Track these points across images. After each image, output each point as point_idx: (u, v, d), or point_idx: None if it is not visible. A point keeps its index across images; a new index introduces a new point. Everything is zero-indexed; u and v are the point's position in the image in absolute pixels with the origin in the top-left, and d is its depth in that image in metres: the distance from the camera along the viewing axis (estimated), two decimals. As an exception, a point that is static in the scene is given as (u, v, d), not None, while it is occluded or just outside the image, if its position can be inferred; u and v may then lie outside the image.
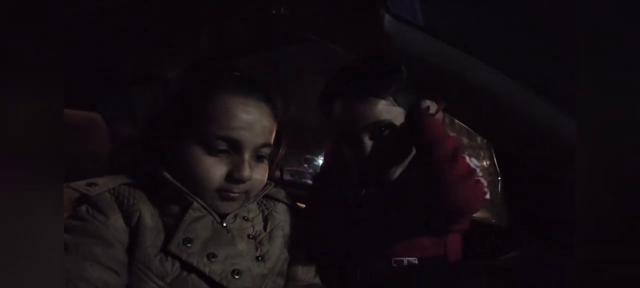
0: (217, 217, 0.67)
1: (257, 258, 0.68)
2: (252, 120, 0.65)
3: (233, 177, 0.65)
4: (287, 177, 0.90)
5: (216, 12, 1.18)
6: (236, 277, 0.62)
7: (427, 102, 0.78)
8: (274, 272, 0.70)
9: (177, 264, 0.61)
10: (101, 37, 1.33)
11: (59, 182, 0.44)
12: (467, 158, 0.73)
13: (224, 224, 0.68)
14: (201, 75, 0.69)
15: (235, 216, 0.70)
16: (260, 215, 0.76)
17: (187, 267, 0.61)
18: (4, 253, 0.38)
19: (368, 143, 0.77)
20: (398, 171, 0.81)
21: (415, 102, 0.78)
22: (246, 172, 0.65)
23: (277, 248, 0.73)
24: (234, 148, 0.65)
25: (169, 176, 0.64)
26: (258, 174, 0.69)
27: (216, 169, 0.64)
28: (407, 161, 0.82)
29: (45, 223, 0.41)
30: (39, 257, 0.40)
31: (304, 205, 0.89)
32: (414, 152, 0.81)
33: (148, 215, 0.63)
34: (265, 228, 0.74)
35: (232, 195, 0.66)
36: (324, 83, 0.84)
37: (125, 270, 0.59)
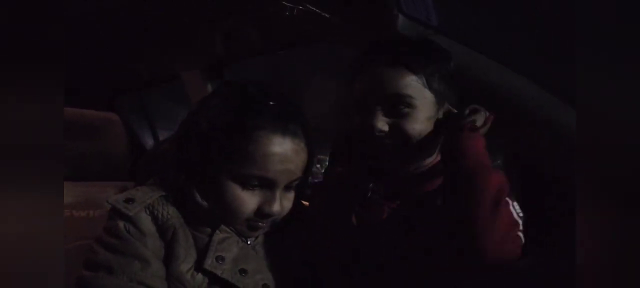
0: (242, 238, 0.69)
1: (281, 271, 0.70)
2: (288, 159, 0.65)
3: (263, 212, 0.65)
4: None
5: (230, 14, 1.19)
6: None
7: (476, 109, 0.68)
8: (295, 284, 0.71)
9: (209, 278, 0.64)
10: (118, 38, 1.35)
11: (59, 181, 0.44)
12: (511, 205, 0.60)
13: (249, 242, 0.70)
14: (242, 110, 0.65)
15: (260, 234, 0.72)
16: (284, 229, 0.74)
17: (220, 281, 0.63)
18: (4, 253, 0.39)
19: (380, 117, 0.67)
20: (410, 167, 0.72)
21: (459, 105, 0.68)
22: (276, 207, 0.65)
23: (297, 261, 0.73)
24: (268, 185, 0.65)
25: (200, 199, 0.65)
26: (286, 203, 0.68)
27: (248, 203, 0.65)
28: (424, 163, 0.72)
29: (45, 223, 0.41)
30: (39, 257, 0.40)
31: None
32: (436, 157, 0.72)
33: (181, 231, 0.65)
34: (287, 240, 0.74)
35: (260, 224, 0.67)
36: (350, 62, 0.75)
37: (165, 285, 0.61)
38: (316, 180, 0.92)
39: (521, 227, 0.60)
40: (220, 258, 0.64)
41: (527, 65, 0.86)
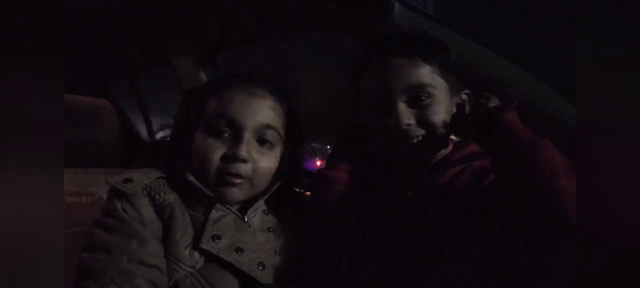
0: (239, 214, 0.70)
1: (275, 251, 0.71)
2: (252, 103, 0.69)
3: (228, 155, 0.67)
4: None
5: (225, 1, 1.17)
6: (260, 268, 0.66)
7: (506, 96, 0.65)
8: (288, 265, 0.71)
9: (206, 256, 0.64)
10: (110, 25, 1.33)
11: (59, 179, 0.44)
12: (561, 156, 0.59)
13: (246, 219, 0.70)
14: (216, 80, 0.73)
15: (256, 211, 0.72)
16: (280, 210, 0.77)
17: (216, 258, 0.64)
18: (4, 251, 0.38)
19: (404, 110, 0.65)
20: (434, 158, 0.70)
21: (485, 95, 0.65)
22: (242, 151, 0.66)
23: (291, 244, 0.74)
24: (233, 129, 0.68)
25: (192, 178, 0.67)
26: (262, 160, 0.69)
27: (216, 149, 0.67)
28: (443, 152, 0.71)
29: (45, 220, 0.41)
30: (39, 256, 0.40)
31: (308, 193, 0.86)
32: (448, 149, 0.71)
33: (178, 209, 0.66)
34: (283, 222, 0.76)
35: (232, 179, 0.67)
36: (356, 52, 0.73)
37: (164, 263, 0.62)
38: (312, 166, 0.91)
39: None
40: (216, 237, 0.65)
41: (523, 55, 0.86)
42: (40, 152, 0.41)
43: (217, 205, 0.67)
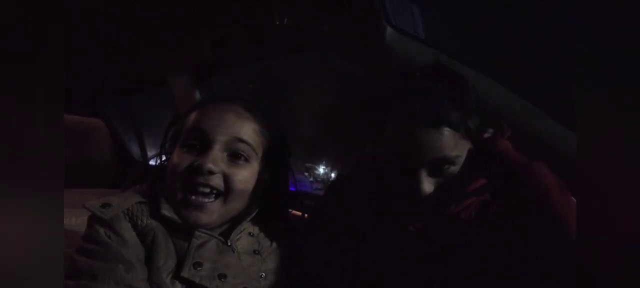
0: (222, 238, 0.68)
1: (260, 275, 0.68)
2: (224, 117, 0.68)
3: (194, 164, 0.65)
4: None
5: (219, 20, 1.19)
6: None
7: (499, 127, 0.65)
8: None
9: (187, 284, 0.62)
10: (105, 43, 1.34)
11: (59, 182, 0.43)
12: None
13: (229, 243, 0.68)
14: (199, 101, 0.75)
15: (240, 233, 0.70)
16: (267, 231, 0.75)
17: (199, 286, 0.62)
18: (4, 253, 0.38)
19: (426, 179, 0.63)
20: (452, 207, 0.68)
21: (482, 128, 0.65)
22: (208, 162, 0.64)
23: (279, 267, 0.72)
24: (203, 141, 0.67)
25: (166, 212, 0.65)
26: (235, 174, 0.66)
27: (185, 159, 0.66)
28: (464, 199, 0.69)
29: (45, 224, 0.41)
30: (39, 258, 0.40)
31: (300, 214, 0.86)
32: (471, 185, 0.69)
33: (160, 234, 0.64)
34: (269, 244, 0.74)
35: (200, 197, 0.65)
36: (372, 100, 0.70)
37: (148, 286, 0.61)
38: (304, 190, 0.90)
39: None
40: (198, 265, 0.63)
41: (514, 77, 0.88)
42: (41, 170, 0.41)
43: (197, 232, 0.65)
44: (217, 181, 0.65)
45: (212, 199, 0.66)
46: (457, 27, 0.97)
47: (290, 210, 0.83)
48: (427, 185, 0.63)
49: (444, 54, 0.83)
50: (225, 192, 0.66)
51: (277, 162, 0.74)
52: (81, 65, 1.53)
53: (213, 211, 0.66)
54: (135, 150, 1.97)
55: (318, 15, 0.99)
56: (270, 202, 0.74)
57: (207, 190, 0.65)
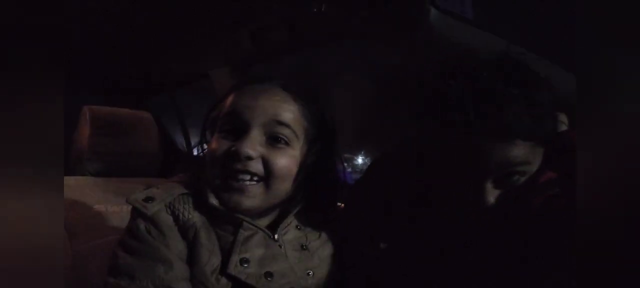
0: (269, 232, 0.65)
1: (307, 273, 0.65)
2: (261, 98, 0.65)
3: (232, 150, 0.62)
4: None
5: (257, 13, 1.19)
6: None
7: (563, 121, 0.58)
8: (323, 286, 0.66)
9: (234, 282, 0.60)
10: (148, 40, 1.39)
11: (59, 182, 0.44)
12: None
13: (276, 238, 0.66)
14: (234, 84, 0.71)
15: (287, 227, 0.68)
16: (314, 224, 0.71)
17: (245, 285, 0.60)
18: (4, 253, 0.38)
19: (490, 191, 0.56)
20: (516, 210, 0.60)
21: (555, 127, 0.57)
22: (246, 146, 0.61)
23: (327, 264, 0.68)
24: (241, 125, 0.64)
25: (213, 201, 0.63)
26: (276, 158, 0.63)
27: (222, 144, 0.64)
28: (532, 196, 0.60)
29: (45, 223, 0.40)
30: (39, 257, 0.40)
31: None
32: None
33: (203, 230, 0.62)
34: (316, 238, 0.70)
35: (241, 182, 0.62)
36: (426, 97, 0.61)
37: (190, 286, 0.59)
38: (348, 180, 0.86)
39: None
40: (245, 261, 0.60)
41: (569, 58, 0.81)
42: (41, 158, 0.41)
43: (245, 223, 0.63)
44: (256, 166, 0.62)
45: (254, 183, 0.63)
46: (508, 6, 0.91)
47: (338, 203, 0.79)
48: (491, 196, 0.56)
49: (498, 37, 0.78)
50: (266, 177, 0.63)
51: (322, 147, 0.69)
52: (129, 62, 1.60)
53: (255, 194, 0.63)
54: (180, 141, 2.04)
55: (357, 1, 0.96)
56: (317, 192, 0.69)
57: (247, 176, 0.62)
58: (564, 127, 0.59)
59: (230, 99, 0.67)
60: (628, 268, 0.37)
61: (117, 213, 1.00)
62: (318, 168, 0.68)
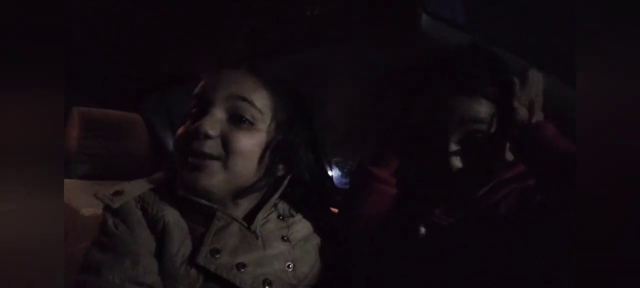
0: (245, 223, 0.64)
1: (287, 266, 0.63)
2: (224, 78, 0.64)
3: (192, 131, 0.60)
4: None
5: (250, 14, 1.19)
6: (267, 286, 0.59)
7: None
8: (304, 283, 0.64)
9: (204, 274, 0.58)
10: (141, 41, 1.38)
11: (59, 182, 0.44)
12: None
13: (253, 229, 0.64)
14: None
15: (267, 216, 0.66)
16: (299, 215, 0.69)
17: (216, 276, 0.58)
18: (4, 253, 0.38)
19: (456, 158, 0.61)
20: (483, 191, 0.65)
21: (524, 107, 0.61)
22: (204, 124, 0.59)
23: (311, 258, 0.66)
24: (202, 105, 0.62)
25: (181, 192, 0.62)
26: (237, 138, 0.60)
27: (185, 126, 0.63)
28: (493, 182, 0.65)
29: (45, 223, 0.40)
30: (40, 257, 0.40)
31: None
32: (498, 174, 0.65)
33: (174, 222, 0.61)
34: (300, 232, 0.68)
35: (198, 160, 0.59)
36: (409, 70, 0.70)
37: (159, 281, 0.57)
38: (338, 183, 0.86)
39: None
40: (215, 251, 0.58)
41: (558, 64, 0.82)
42: (41, 162, 0.41)
43: (219, 213, 0.61)
44: (213, 146, 0.60)
45: (210, 163, 0.60)
46: (496, 12, 0.92)
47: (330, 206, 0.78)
48: (456, 160, 0.61)
49: (484, 40, 0.79)
50: (226, 157, 0.60)
51: (298, 133, 0.67)
52: (120, 63, 1.59)
53: (212, 172, 0.60)
54: (170, 143, 2.03)
55: (350, 4, 0.97)
56: (303, 185, 0.68)
57: (206, 156, 0.60)
58: (540, 117, 0.61)
59: (199, 84, 0.66)
60: (628, 268, 0.37)
61: (95, 217, 0.99)
62: (297, 154, 0.66)
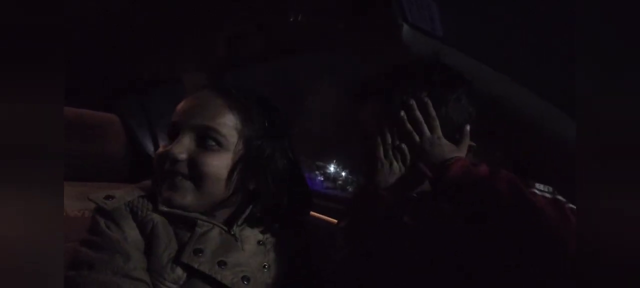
0: (225, 227, 0.69)
1: (263, 266, 0.69)
2: (194, 106, 0.69)
3: (163, 154, 0.67)
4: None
5: (233, 19, 1.19)
6: (245, 282, 0.65)
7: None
8: (279, 282, 0.70)
9: (188, 271, 0.64)
10: (119, 39, 1.35)
11: (59, 181, 0.44)
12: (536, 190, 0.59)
13: (232, 233, 0.70)
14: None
15: (244, 222, 0.71)
16: (273, 223, 0.75)
17: (199, 273, 0.63)
18: (4, 253, 0.38)
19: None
20: (416, 189, 0.72)
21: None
22: (173, 149, 0.65)
23: (283, 259, 0.72)
24: (177, 130, 0.68)
25: (164, 208, 0.67)
26: (205, 162, 0.66)
27: (162, 148, 0.69)
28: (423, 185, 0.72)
29: (45, 223, 0.41)
30: (39, 257, 0.40)
31: (316, 215, 0.85)
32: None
33: (160, 224, 0.66)
34: (275, 236, 0.75)
35: (172, 180, 0.66)
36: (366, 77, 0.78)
37: (149, 277, 0.62)
38: (319, 187, 0.89)
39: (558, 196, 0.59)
40: (198, 251, 0.64)
41: (529, 75, 0.86)
42: (41, 162, 0.41)
43: (199, 221, 0.66)
44: (182, 167, 0.66)
45: (183, 183, 0.66)
46: (475, 25, 0.95)
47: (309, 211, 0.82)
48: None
49: (463, 52, 0.82)
50: (194, 177, 0.66)
51: (268, 147, 0.72)
52: (96, 62, 1.55)
53: (185, 192, 0.66)
54: (148, 145, 1.99)
55: (333, 13, 0.98)
56: (281, 192, 0.72)
57: (178, 176, 0.66)
58: (465, 140, 0.68)
59: (177, 107, 0.72)
60: (628, 270, 0.38)
61: (78, 218, 0.96)
62: (268, 168, 0.71)
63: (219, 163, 0.67)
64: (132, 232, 0.64)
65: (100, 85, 1.81)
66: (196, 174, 0.66)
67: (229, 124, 0.69)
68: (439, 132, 0.68)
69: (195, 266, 0.62)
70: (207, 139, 0.67)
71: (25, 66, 0.41)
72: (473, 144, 0.71)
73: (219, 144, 0.67)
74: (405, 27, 0.84)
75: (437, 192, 0.66)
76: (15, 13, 0.40)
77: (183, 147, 0.66)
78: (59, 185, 0.44)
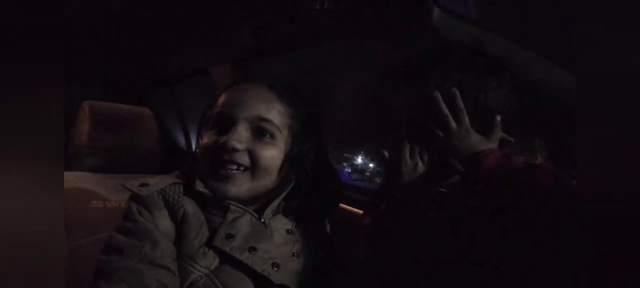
0: (256, 215, 0.70)
1: (292, 254, 0.70)
2: (246, 97, 0.71)
3: (219, 142, 0.68)
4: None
5: (259, 9, 1.18)
6: (275, 269, 0.66)
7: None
8: (307, 271, 0.71)
9: (220, 256, 0.65)
10: (150, 35, 1.38)
11: (59, 181, 0.44)
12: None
13: (262, 220, 0.70)
14: (227, 85, 0.77)
15: (273, 211, 0.72)
16: (303, 212, 0.76)
17: (230, 258, 0.64)
18: (4, 252, 0.39)
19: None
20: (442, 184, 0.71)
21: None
22: (232, 140, 0.66)
23: (312, 249, 0.73)
24: (228, 122, 0.69)
25: (201, 188, 0.68)
26: (261, 150, 0.68)
27: (212, 139, 0.70)
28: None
29: (45, 222, 0.41)
30: (39, 257, 0.40)
31: (344, 206, 0.86)
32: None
33: (192, 212, 0.67)
34: (304, 226, 0.75)
35: (228, 170, 0.67)
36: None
37: (175, 264, 0.63)
38: (346, 179, 0.90)
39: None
40: (230, 236, 0.65)
41: (569, 58, 0.80)
42: (41, 154, 0.41)
43: (232, 207, 0.68)
44: (242, 157, 0.68)
45: (240, 171, 0.68)
46: (511, 6, 0.90)
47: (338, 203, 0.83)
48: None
49: (498, 35, 0.77)
50: (252, 167, 0.68)
51: (307, 141, 0.74)
52: (128, 57, 1.59)
53: (241, 182, 0.68)
54: (180, 138, 2.04)
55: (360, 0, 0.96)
56: (312, 183, 0.74)
57: (234, 166, 0.68)
58: (496, 131, 0.65)
59: (221, 98, 0.73)
60: (628, 268, 0.37)
61: (115, 209, 1.00)
62: (307, 161, 0.74)
63: (274, 155, 0.70)
64: (164, 220, 0.66)
65: (134, 80, 1.86)
66: (254, 164, 0.68)
67: (281, 116, 0.71)
68: (467, 123, 0.65)
69: (227, 250, 0.64)
70: (262, 131, 0.69)
71: (25, 66, 0.41)
72: (511, 139, 0.68)
73: (273, 135, 0.70)
74: (436, 10, 0.81)
75: (469, 185, 0.63)
76: (15, 13, 0.40)
77: (241, 137, 0.67)
78: (59, 185, 0.44)
